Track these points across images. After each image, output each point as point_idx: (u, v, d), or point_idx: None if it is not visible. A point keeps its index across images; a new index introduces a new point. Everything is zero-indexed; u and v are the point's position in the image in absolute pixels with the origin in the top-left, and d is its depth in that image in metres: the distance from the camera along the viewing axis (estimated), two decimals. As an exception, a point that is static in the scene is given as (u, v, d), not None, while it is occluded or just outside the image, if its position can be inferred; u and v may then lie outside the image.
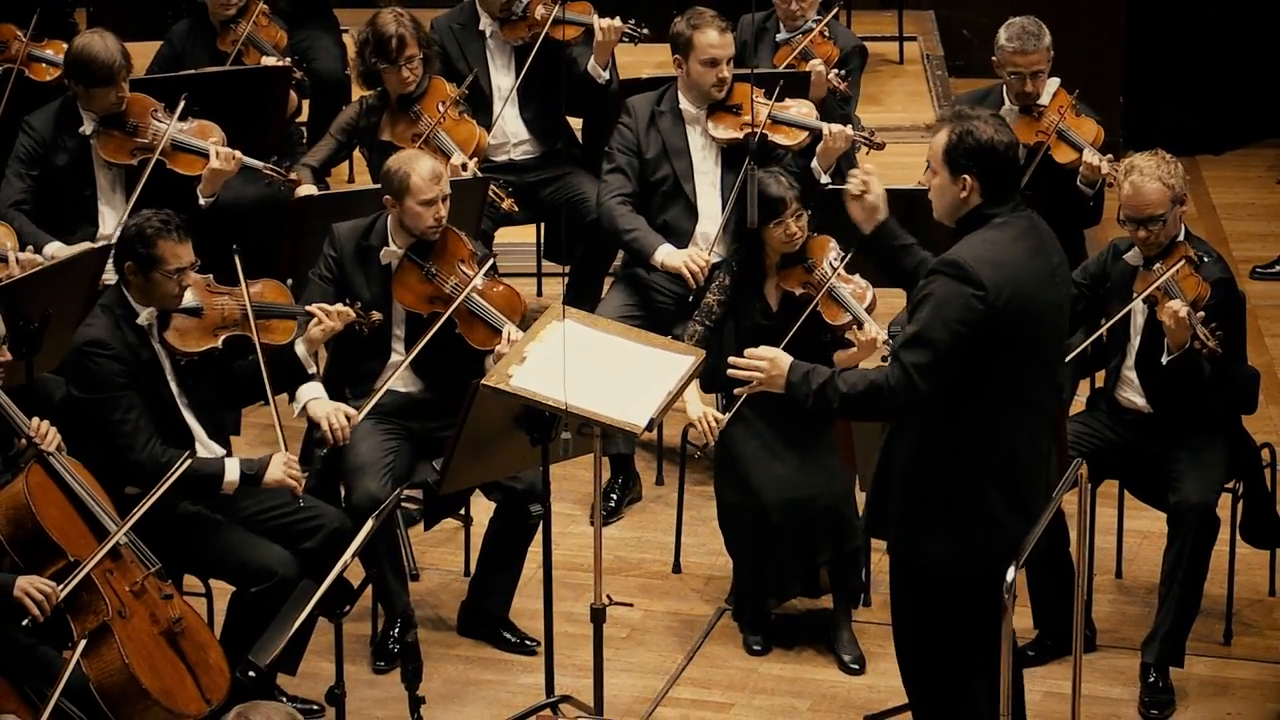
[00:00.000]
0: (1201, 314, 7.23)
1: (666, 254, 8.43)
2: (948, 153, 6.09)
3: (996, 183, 6.09)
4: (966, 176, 6.07)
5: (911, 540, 6.16)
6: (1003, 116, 6.26)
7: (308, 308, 7.40)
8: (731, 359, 6.25)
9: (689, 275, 8.35)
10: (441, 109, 8.76)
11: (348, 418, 7.40)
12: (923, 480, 6.10)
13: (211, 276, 7.33)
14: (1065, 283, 6.23)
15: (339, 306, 7.42)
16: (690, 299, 8.34)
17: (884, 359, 6.96)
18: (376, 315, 7.52)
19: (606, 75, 9.20)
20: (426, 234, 7.62)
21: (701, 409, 7.60)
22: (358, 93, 9.08)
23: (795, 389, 6.14)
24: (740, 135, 8.48)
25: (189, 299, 7.17)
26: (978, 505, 6.08)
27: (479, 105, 9.10)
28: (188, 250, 7.07)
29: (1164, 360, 7.30)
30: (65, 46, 8.63)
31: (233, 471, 7.09)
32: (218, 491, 7.09)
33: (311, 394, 7.45)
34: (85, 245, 8.17)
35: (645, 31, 9.15)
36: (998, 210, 6.08)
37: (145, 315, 7.11)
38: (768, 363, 6.18)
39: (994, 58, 8.62)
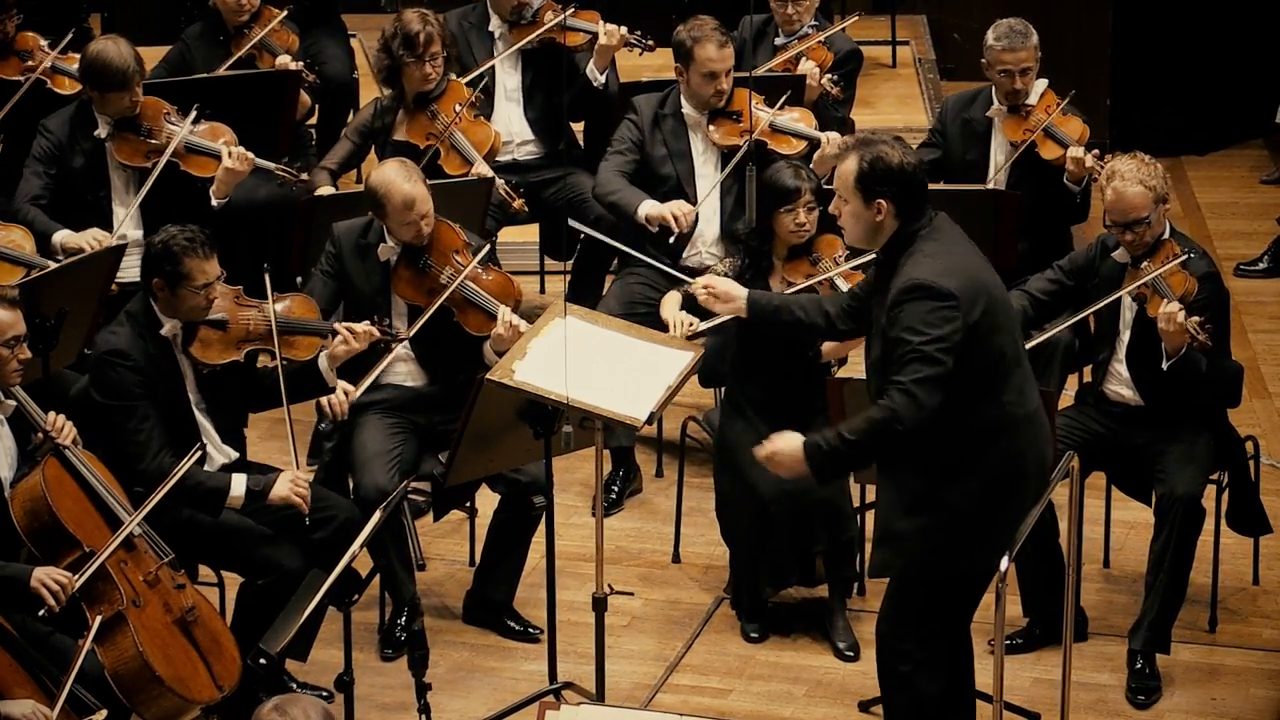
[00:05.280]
0: (1195, 319, 7.29)
1: (650, 207, 8.49)
2: (860, 180, 6.20)
3: (910, 202, 6.21)
4: (881, 201, 6.19)
5: (938, 550, 6.26)
6: (902, 139, 6.35)
7: (334, 326, 7.40)
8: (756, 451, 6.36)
9: (673, 221, 8.41)
10: (458, 110, 8.82)
11: (345, 394, 7.45)
12: (945, 492, 6.20)
13: (241, 289, 7.32)
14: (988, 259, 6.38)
15: (364, 325, 7.41)
16: (672, 241, 8.41)
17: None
18: (401, 331, 7.60)
19: (603, 79, 9.27)
20: (412, 244, 7.73)
21: (678, 315, 7.50)
22: (366, 96, 9.14)
23: (815, 467, 6.28)
24: (740, 142, 8.53)
25: (215, 310, 7.19)
26: (1000, 497, 6.21)
27: (485, 103, 9.14)
28: (214, 265, 7.09)
29: (1164, 366, 7.34)
30: (84, 54, 8.67)
31: (238, 487, 7.10)
32: (221, 506, 7.11)
33: None
34: (92, 231, 8.26)
35: (651, 44, 9.23)
36: (919, 224, 6.21)
37: (170, 327, 7.14)
38: (779, 453, 6.33)
39: (983, 59, 8.69)
